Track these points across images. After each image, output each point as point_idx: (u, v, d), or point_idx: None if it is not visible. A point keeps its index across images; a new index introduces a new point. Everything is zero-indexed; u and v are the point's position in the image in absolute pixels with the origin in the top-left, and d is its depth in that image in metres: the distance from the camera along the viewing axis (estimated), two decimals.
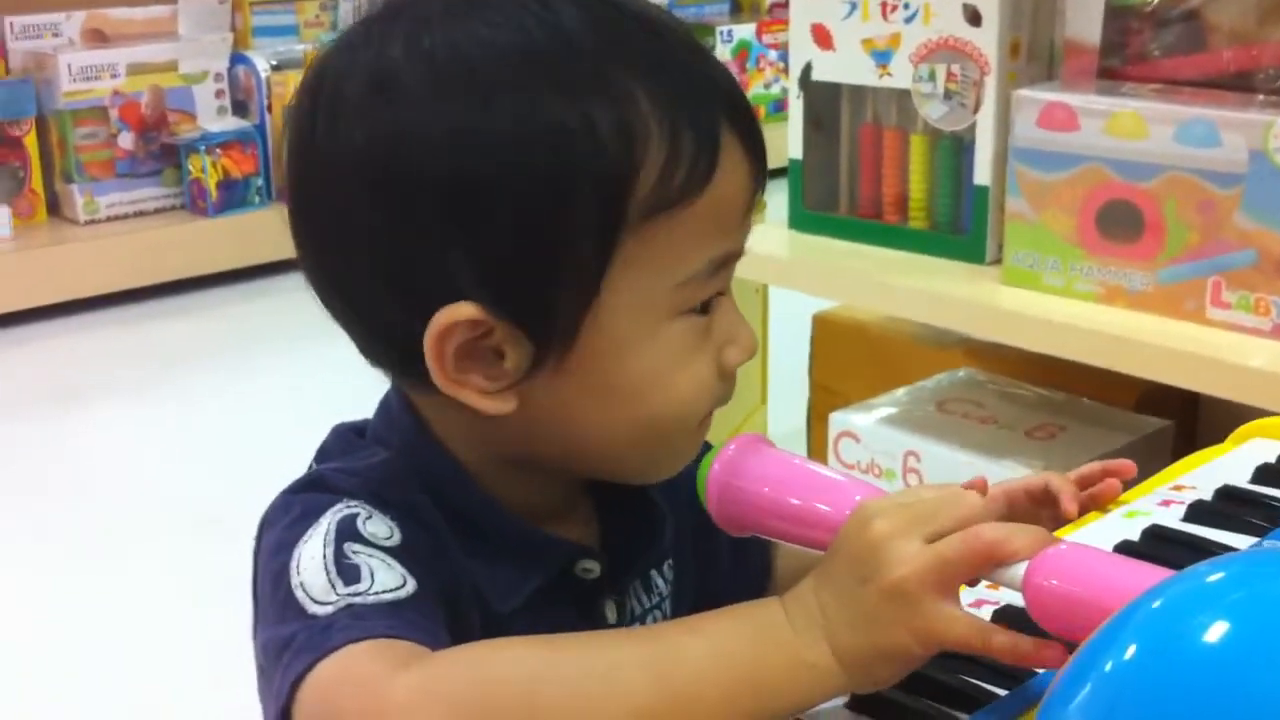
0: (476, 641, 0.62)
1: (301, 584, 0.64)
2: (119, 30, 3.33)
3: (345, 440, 0.75)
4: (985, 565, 0.60)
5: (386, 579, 0.64)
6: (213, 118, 3.35)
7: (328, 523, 0.66)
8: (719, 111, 0.68)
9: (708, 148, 0.67)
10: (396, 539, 0.67)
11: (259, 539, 0.70)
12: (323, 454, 0.75)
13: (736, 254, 0.71)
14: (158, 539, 2.08)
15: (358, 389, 0.80)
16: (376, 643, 0.61)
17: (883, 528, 0.61)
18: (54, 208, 3.22)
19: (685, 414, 0.71)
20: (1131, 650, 0.43)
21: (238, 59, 3.40)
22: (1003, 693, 0.64)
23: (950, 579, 0.60)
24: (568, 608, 0.73)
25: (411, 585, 0.65)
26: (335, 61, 0.68)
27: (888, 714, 0.65)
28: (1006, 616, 0.70)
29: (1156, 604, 0.45)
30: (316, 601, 0.63)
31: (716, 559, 0.82)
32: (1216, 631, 0.43)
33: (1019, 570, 0.59)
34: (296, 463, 0.75)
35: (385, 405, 0.75)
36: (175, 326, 3.01)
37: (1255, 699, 0.41)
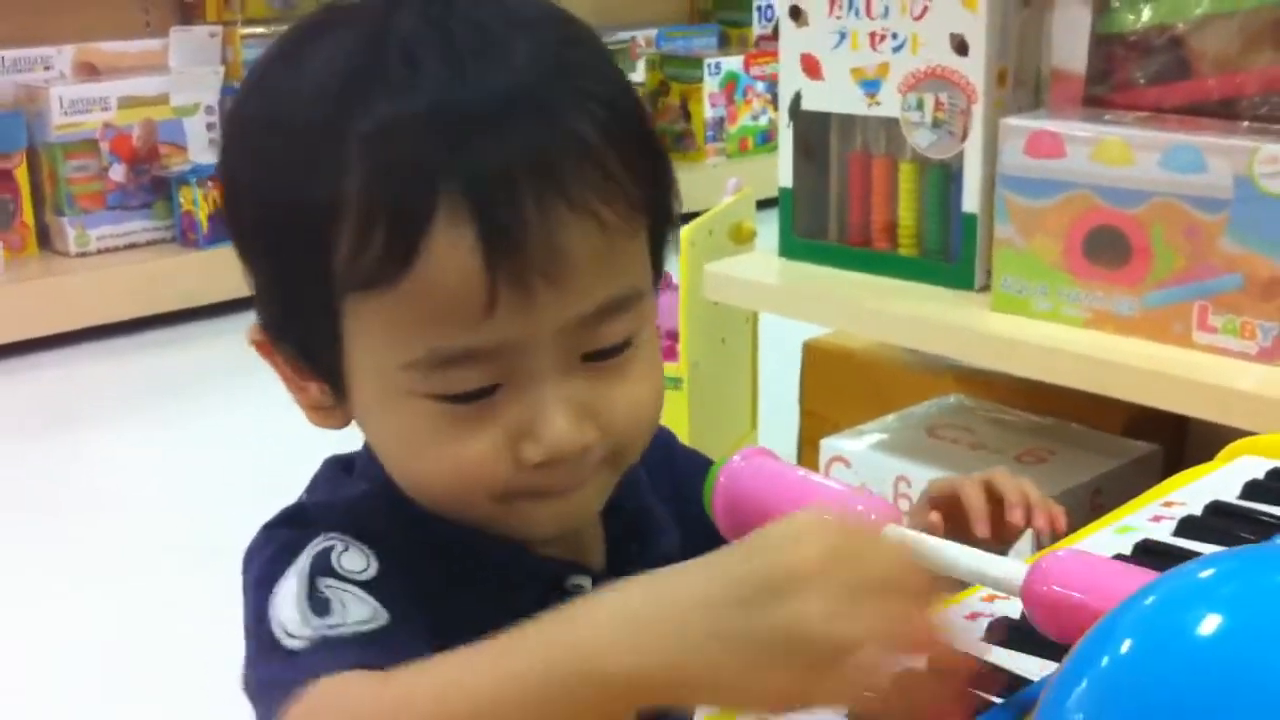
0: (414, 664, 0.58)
1: (278, 619, 0.65)
2: (110, 63, 3.34)
3: (332, 472, 0.76)
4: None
5: (359, 611, 0.65)
6: (204, 150, 3.36)
7: (303, 560, 0.67)
8: (440, 191, 0.61)
9: (404, 230, 0.61)
10: (373, 571, 0.67)
11: (245, 573, 0.71)
12: (313, 485, 0.76)
13: (485, 351, 0.63)
14: (149, 568, 2.08)
15: None
16: (339, 677, 0.60)
17: (809, 558, 0.52)
18: (45, 240, 3.23)
19: (449, 492, 0.68)
20: (1127, 645, 0.44)
21: (229, 91, 3.40)
22: (997, 700, 0.65)
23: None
24: None
25: (384, 617, 0.65)
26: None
27: None
28: (1000, 629, 0.70)
29: (1150, 600, 0.45)
30: (291, 636, 0.64)
31: None
32: (1211, 624, 0.43)
33: (1018, 577, 0.60)
34: (288, 493, 0.76)
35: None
36: (166, 358, 3.01)
37: (1251, 691, 0.42)
